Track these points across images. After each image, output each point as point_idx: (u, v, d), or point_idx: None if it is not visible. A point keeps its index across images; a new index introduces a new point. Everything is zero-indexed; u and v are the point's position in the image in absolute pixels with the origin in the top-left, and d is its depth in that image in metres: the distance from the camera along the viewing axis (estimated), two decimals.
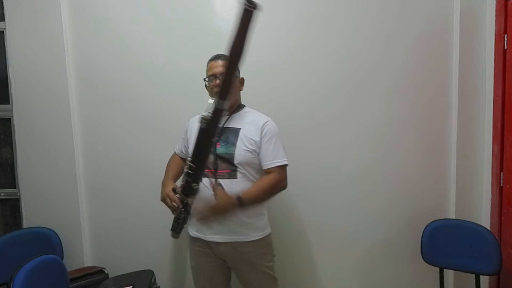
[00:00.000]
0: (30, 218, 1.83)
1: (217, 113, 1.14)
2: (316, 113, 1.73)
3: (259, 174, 1.34)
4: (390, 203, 1.79)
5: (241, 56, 1.09)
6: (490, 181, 1.70)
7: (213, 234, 1.32)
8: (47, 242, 1.75)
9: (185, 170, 1.23)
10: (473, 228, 1.57)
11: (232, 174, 1.29)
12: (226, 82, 1.12)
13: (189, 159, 1.21)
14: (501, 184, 1.63)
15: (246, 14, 1.01)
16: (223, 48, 1.71)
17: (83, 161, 1.82)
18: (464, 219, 1.66)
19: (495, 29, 1.64)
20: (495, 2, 1.63)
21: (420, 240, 1.64)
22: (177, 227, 1.35)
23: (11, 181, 1.89)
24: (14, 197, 1.88)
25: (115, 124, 1.80)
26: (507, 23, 1.58)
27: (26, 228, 1.80)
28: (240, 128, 1.32)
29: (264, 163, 1.32)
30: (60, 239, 1.77)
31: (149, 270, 1.69)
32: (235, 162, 1.28)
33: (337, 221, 1.80)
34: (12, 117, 1.81)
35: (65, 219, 1.80)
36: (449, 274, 1.76)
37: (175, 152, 1.56)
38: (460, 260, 1.57)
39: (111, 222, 1.84)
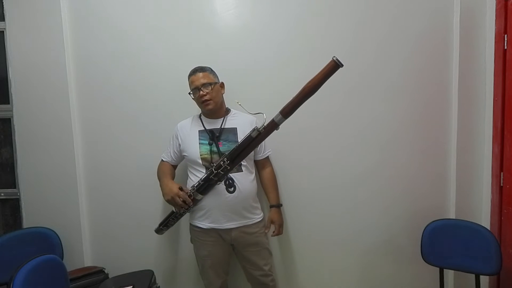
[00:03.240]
0: (30, 218, 1.83)
1: (272, 126, 1.30)
2: (316, 113, 1.73)
3: (252, 163, 1.58)
4: (390, 203, 1.79)
5: (312, 95, 1.24)
6: (490, 181, 1.70)
7: (228, 222, 1.48)
8: (47, 242, 1.75)
9: (213, 170, 1.37)
10: (473, 228, 1.57)
11: (238, 168, 1.48)
12: (295, 107, 1.26)
13: (225, 161, 1.35)
14: (501, 184, 1.63)
15: (333, 66, 1.19)
16: (223, 48, 1.74)
17: (83, 161, 1.82)
18: (464, 219, 1.65)
19: (495, 29, 1.64)
20: (495, 2, 1.63)
21: (420, 240, 1.63)
22: (173, 223, 1.57)
23: (11, 181, 1.89)
24: (14, 197, 1.88)
25: (115, 124, 1.80)
26: (507, 23, 1.58)
27: (26, 228, 1.80)
28: (236, 128, 1.51)
29: (259, 155, 1.60)
30: (60, 239, 1.77)
31: (149, 270, 1.69)
32: None
33: (337, 221, 1.80)
34: (12, 117, 1.81)
35: (65, 219, 1.81)
36: (449, 274, 1.77)
37: (162, 160, 1.63)
38: (460, 260, 1.57)
39: (111, 222, 1.84)
